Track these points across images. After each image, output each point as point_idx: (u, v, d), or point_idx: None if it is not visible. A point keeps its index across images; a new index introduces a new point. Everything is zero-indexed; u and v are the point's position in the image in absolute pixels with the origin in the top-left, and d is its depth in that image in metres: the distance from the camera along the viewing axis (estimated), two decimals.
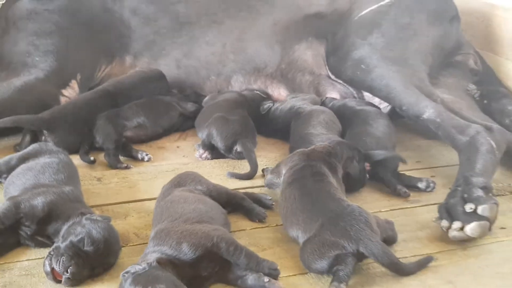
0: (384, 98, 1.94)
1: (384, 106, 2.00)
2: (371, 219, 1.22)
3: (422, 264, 1.26)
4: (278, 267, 1.21)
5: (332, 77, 2.17)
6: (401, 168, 1.73)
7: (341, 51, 2.12)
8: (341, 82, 2.13)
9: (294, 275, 1.24)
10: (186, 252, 1.15)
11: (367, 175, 1.59)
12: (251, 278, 1.18)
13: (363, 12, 2.18)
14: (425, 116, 1.78)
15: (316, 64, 2.21)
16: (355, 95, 2.10)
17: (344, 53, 2.09)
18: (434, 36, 2.14)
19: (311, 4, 2.30)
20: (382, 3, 2.18)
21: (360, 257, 1.20)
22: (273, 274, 1.19)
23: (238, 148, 1.77)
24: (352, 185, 1.56)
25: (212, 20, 2.25)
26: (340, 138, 1.70)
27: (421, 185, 1.64)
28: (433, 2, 2.21)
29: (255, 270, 1.19)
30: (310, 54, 2.22)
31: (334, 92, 2.14)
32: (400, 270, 1.21)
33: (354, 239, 1.18)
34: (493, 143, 1.62)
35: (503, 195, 1.66)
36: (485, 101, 2.09)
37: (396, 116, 1.97)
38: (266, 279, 1.17)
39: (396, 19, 2.13)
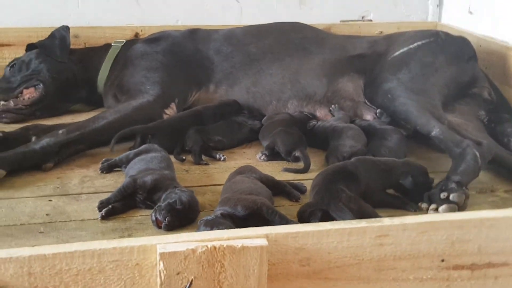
0: (403, 120, 2.37)
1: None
2: (345, 197, 1.68)
3: None
4: None
5: (368, 103, 2.61)
6: None
7: (375, 84, 2.55)
8: (374, 107, 2.57)
9: None
10: (240, 211, 1.63)
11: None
12: None
13: (396, 53, 2.61)
14: (433, 134, 2.19)
15: (356, 93, 2.64)
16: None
17: (377, 85, 2.52)
18: (452, 73, 2.53)
19: (355, 47, 2.77)
20: (411, 46, 2.62)
21: (329, 217, 1.63)
22: None
23: (296, 153, 2.25)
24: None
25: (275, 58, 2.74)
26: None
27: None
28: (454, 45, 2.61)
29: None
30: (351, 85, 2.66)
31: (369, 115, 2.57)
32: None
33: (325, 203, 1.66)
34: (477, 154, 2.02)
35: (484, 192, 2.06)
36: (492, 125, 2.49)
37: (416, 135, 2.39)
38: None
39: (422, 59, 2.54)
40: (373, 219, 1.16)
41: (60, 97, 2.81)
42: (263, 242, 1.08)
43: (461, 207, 1.85)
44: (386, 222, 1.14)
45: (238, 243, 1.07)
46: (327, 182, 1.79)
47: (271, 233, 1.12)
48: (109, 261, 1.08)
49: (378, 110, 2.53)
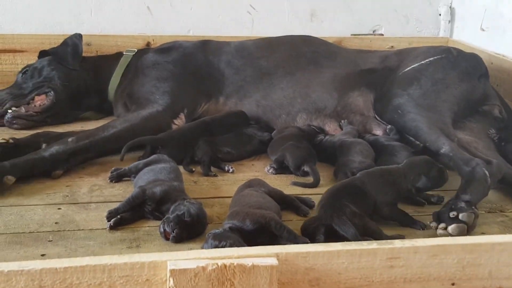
0: (413, 136, 2.36)
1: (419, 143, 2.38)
2: (349, 211, 1.70)
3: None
4: (309, 241, 1.69)
5: (378, 118, 2.59)
6: None
7: (385, 99, 2.54)
8: (384, 123, 2.55)
9: None
10: (248, 225, 1.62)
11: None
12: None
13: (407, 69, 2.61)
14: (442, 151, 2.19)
15: (366, 108, 2.64)
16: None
17: (387, 100, 2.52)
18: (463, 90, 2.52)
19: (366, 62, 2.78)
20: (422, 62, 2.61)
21: (333, 232, 1.66)
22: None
23: (305, 168, 2.26)
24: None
25: (286, 72, 2.74)
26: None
27: (433, 199, 2.07)
28: (465, 62, 2.60)
29: (293, 242, 1.60)
30: (361, 100, 2.65)
31: (379, 130, 2.56)
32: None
33: (329, 217, 1.67)
34: (487, 173, 2.02)
35: (494, 212, 2.05)
36: (503, 143, 2.47)
37: (425, 152, 2.31)
38: None
39: (433, 75, 2.53)
40: (384, 241, 1.16)
41: (71, 105, 2.84)
42: (273, 261, 1.08)
43: (470, 227, 1.85)
44: (397, 244, 1.14)
45: (248, 262, 1.07)
46: (333, 198, 1.80)
47: (282, 252, 1.12)
48: (120, 276, 1.09)
49: (388, 126, 2.52)
